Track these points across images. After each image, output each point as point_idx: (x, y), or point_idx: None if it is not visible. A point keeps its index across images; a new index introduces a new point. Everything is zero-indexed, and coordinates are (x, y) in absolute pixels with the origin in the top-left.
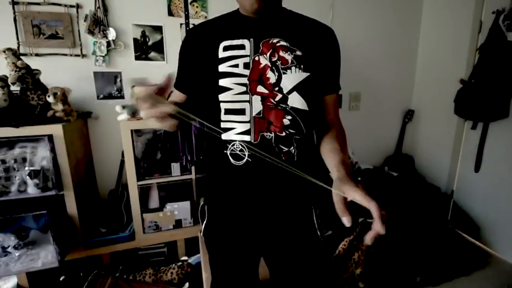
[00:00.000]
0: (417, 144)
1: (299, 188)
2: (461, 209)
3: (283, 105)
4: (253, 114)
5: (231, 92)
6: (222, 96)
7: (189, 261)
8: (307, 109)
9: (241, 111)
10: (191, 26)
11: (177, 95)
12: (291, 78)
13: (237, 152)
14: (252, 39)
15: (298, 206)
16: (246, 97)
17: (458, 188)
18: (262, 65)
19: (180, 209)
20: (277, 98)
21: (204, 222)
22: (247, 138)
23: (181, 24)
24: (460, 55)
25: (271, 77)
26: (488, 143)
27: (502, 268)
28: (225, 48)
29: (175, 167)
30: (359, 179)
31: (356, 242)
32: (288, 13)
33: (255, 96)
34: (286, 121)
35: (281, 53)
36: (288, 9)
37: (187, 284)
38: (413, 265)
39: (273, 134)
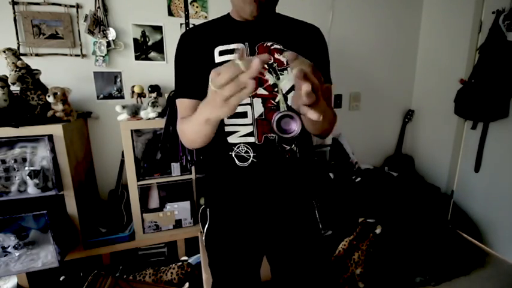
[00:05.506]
0: (417, 144)
1: (302, 183)
2: (461, 209)
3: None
4: (256, 116)
5: None
6: None
7: (189, 261)
8: None
9: (243, 114)
10: (191, 26)
11: (190, 106)
12: (289, 79)
13: (242, 153)
14: (247, 43)
15: (301, 202)
16: (247, 100)
17: (458, 188)
18: None
19: (180, 209)
20: (277, 99)
21: (206, 225)
22: (251, 139)
23: (181, 24)
24: (460, 55)
25: (270, 78)
26: (488, 143)
27: (502, 268)
28: (221, 53)
29: (175, 167)
30: (359, 179)
31: (356, 242)
32: (277, 16)
33: (255, 98)
34: None
35: (276, 56)
36: (276, 12)
37: (187, 284)
38: (413, 265)
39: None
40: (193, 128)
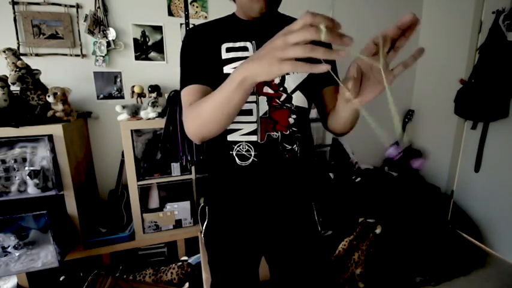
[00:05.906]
0: (417, 144)
1: (301, 185)
2: (461, 209)
3: (289, 105)
4: (260, 114)
5: None
6: None
7: (189, 261)
8: (306, 107)
9: (249, 112)
10: (191, 26)
11: (202, 90)
12: (294, 78)
13: (243, 152)
14: (254, 42)
15: (301, 203)
16: (253, 98)
17: (458, 188)
18: None
19: (180, 209)
20: (282, 98)
21: (205, 223)
22: (253, 138)
23: (181, 24)
24: (460, 55)
25: (276, 78)
26: (488, 143)
27: (501, 268)
28: (228, 50)
29: (175, 167)
30: (359, 179)
31: (356, 242)
32: (282, 17)
33: (261, 96)
34: (291, 120)
35: None
36: (281, 12)
37: (187, 284)
38: (413, 265)
39: (279, 134)
40: (218, 99)
